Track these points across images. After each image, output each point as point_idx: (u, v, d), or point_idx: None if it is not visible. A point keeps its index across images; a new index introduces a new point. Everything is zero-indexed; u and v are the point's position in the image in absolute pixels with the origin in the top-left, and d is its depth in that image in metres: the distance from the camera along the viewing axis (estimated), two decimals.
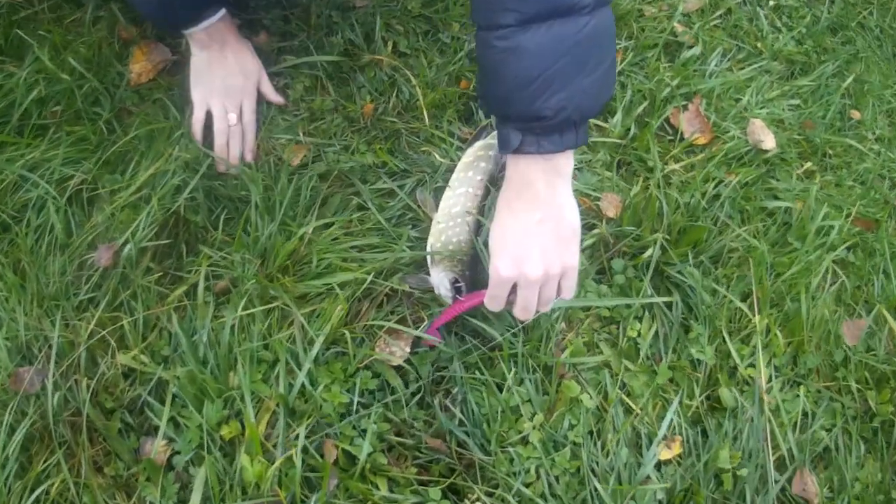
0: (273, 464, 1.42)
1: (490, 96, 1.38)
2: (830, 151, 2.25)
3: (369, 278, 1.65)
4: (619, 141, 1.99)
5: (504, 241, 1.41)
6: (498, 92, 1.34)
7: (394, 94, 2.00)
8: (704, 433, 1.64)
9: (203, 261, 1.66)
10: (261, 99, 1.93)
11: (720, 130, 2.11)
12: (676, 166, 1.99)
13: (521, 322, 1.56)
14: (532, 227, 1.38)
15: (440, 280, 1.65)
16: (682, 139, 2.05)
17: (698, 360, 1.71)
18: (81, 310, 1.61)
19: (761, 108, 2.23)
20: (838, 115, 2.37)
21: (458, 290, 1.62)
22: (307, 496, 1.44)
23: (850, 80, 2.42)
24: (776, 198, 2.02)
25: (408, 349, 1.60)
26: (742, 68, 2.34)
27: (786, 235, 1.96)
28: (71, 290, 1.63)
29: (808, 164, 2.17)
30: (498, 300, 1.46)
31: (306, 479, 1.46)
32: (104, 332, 1.56)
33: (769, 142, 2.12)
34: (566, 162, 1.38)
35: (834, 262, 1.94)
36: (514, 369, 1.61)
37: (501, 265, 1.40)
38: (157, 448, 1.46)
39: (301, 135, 1.92)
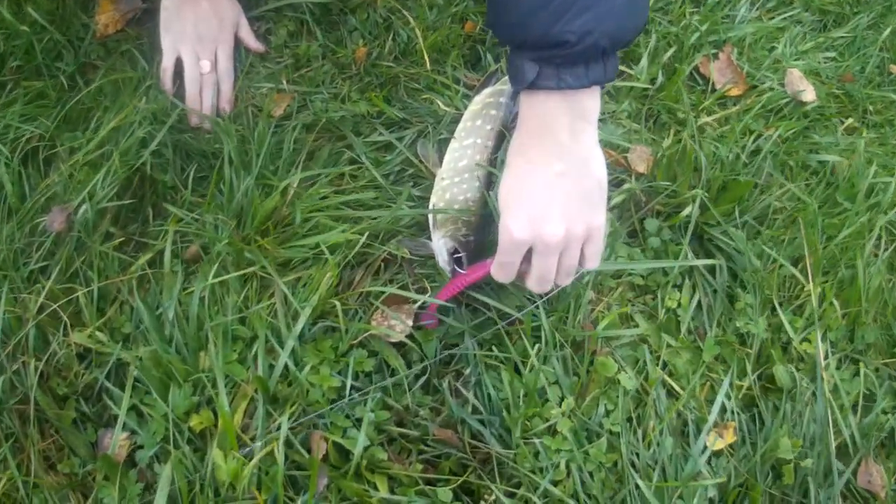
0: (251, 460, 1.23)
1: (501, 19, 1.16)
2: (871, 108, 2.03)
3: (362, 239, 1.44)
4: (647, 85, 1.79)
5: (517, 197, 1.20)
6: (511, 13, 1.13)
7: (390, 38, 1.78)
8: (757, 418, 1.44)
9: (171, 224, 1.46)
10: (239, 45, 1.74)
11: (754, 81, 1.91)
12: (709, 119, 1.79)
13: (539, 297, 1.35)
14: (551, 180, 1.18)
15: (439, 248, 1.44)
16: (713, 90, 1.86)
17: (747, 333, 1.50)
18: (32, 281, 1.42)
19: (796, 59, 2.02)
20: (877, 70, 2.15)
21: (458, 263, 1.40)
22: (292, 498, 1.25)
23: (886, 32, 2.20)
24: (821, 153, 1.81)
25: (410, 322, 1.39)
26: (772, 17, 2.12)
27: (834, 195, 1.74)
28: (20, 260, 1.43)
29: (850, 121, 1.96)
30: (508, 269, 1.26)
31: (291, 479, 1.27)
32: (56, 306, 1.37)
33: (809, 93, 1.90)
34: (592, 103, 1.17)
35: (887, 225, 1.73)
36: (537, 345, 1.38)
37: (514, 225, 1.19)
38: (115, 442, 1.27)
39: (284, 83, 1.71)
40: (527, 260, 1.23)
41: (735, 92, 1.86)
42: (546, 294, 1.36)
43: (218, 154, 1.55)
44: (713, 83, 1.85)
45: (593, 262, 1.25)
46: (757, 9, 2.10)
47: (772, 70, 1.94)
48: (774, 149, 1.74)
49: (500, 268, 1.25)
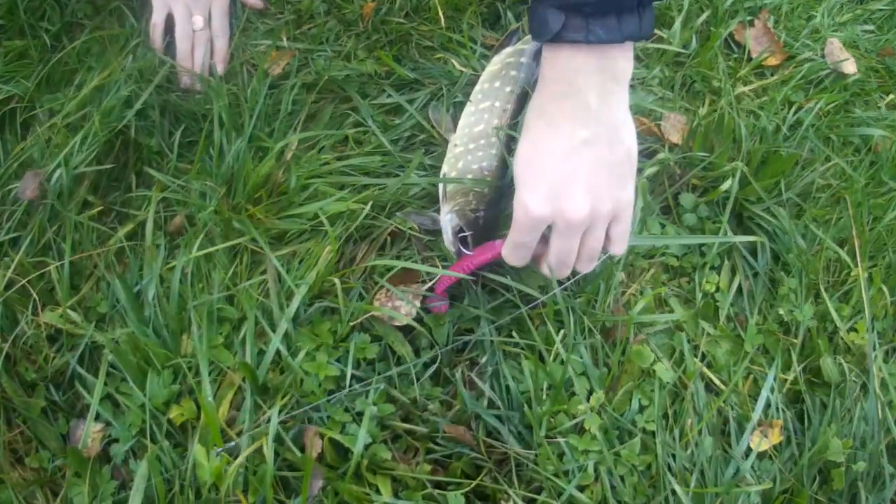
0: (236, 458, 1.09)
1: None
2: None
3: (366, 209, 1.29)
4: (681, 49, 1.64)
5: (536, 167, 1.05)
6: None
7: None
8: (803, 416, 1.29)
9: (155, 191, 1.33)
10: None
11: (792, 50, 1.76)
12: (745, 89, 1.64)
13: (558, 283, 1.18)
14: (576, 149, 1.03)
15: (445, 224, 1.28)
16: (749, 59, 1.71)
17: (791, 321, 1.35)
18: (2, 254, 1.29)
19: (834, 30, 1.87)
20: None
21: (463, 243, 1.24)
22: (282, 502, 1.12)
23: None
24: (866, 126, 1.66)
25: (418, 303, 1.23)
26: None
27: (878, 174, 1.59)
28: None
29: (891, 97, 1.80)
30: (522, 251, 1.11)
31: (281, 480, 1.14)
32: (25, 282, 1.24)
33: (850, 65, 1.75)
34: (625, 63, 1.02)
35: None
36: (562, 331, 1.22)
37: (531, 200, 1.04)
38: (87, 434, 1.15)
39: (284, 40, 1.56)
40: (544, 241, 1.09)
41: (772, 62, 1.72)
42: (564, 281, 1.21)
43: (209, 116, 1.42)
44: (749, 51, 1.71)
45: (620, 247, 1.11)
46: None
47: (811, 40, 1.80)
48: (816, 122, 1.60)
49: (514, 249, 1.10)
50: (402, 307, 1.23)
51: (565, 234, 1.05)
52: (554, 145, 1.03)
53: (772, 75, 1.70)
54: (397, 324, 1.23)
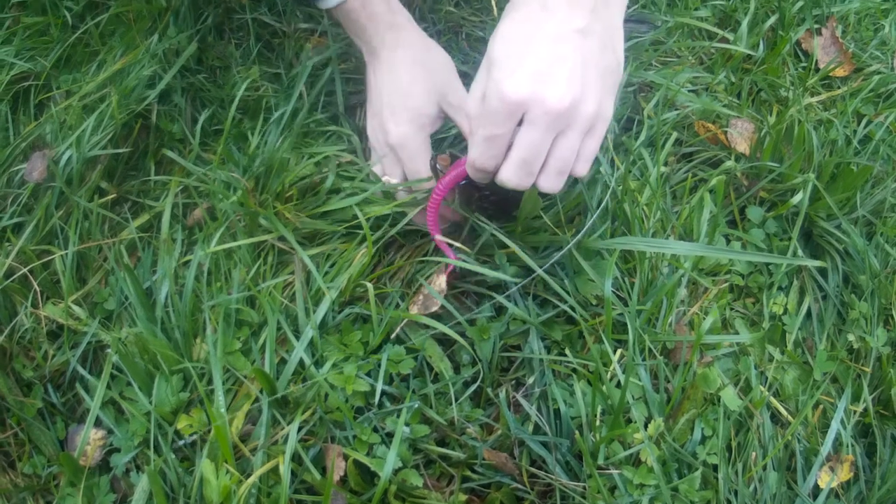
0: (249, 477, 0.99)
1: None
2: None
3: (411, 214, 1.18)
4: (749, 52, 1.54)
5: (520, 48, 0.93)
6: None
7: None
8: (873, 450, 1.18)
9: (174, 183, 1.23)
10: None
11: (860, 62, 1.66)
12: (813, 100, 1.54)
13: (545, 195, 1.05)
14: (568, 36, 0.92)
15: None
16: (816, 69, 1.61)
17: (862, 347, 1.25)
18: (4, 239, 1.21)
19: None
20: None
21: (435, 171, 1.12)
22: None
23: None
24: None
25: (444, 286, 1.13)
26: None
27: None
28: None
29: None
30: (493, 148, 0.96)
31: None
32: (26, 270, 1.15)
33: None
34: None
35: None
36: (619, 350, 1.11)
37: (511, 81, 0.91)
38: (84, 440, 1.05)
39: (325, 22, 1.46)
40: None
41: (840, 72, 1.62)
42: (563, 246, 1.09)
43: (241, 102, 1.33)
44: (816, 61, 1.61)
45: (585, 166, 0.99)
46: None
47: (879, 51, 1.71)
48: (887, 136, 1.50)
49: (484, 146, 0.96)
50: (429, 302, 1.12)
51: (539, 125, 0.93)
52: (546, 26, 0.93)
53: (839, 86, 1.61)
54: (428, 311, 1.12)
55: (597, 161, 1.12)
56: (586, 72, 0.92)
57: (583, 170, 0.99)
